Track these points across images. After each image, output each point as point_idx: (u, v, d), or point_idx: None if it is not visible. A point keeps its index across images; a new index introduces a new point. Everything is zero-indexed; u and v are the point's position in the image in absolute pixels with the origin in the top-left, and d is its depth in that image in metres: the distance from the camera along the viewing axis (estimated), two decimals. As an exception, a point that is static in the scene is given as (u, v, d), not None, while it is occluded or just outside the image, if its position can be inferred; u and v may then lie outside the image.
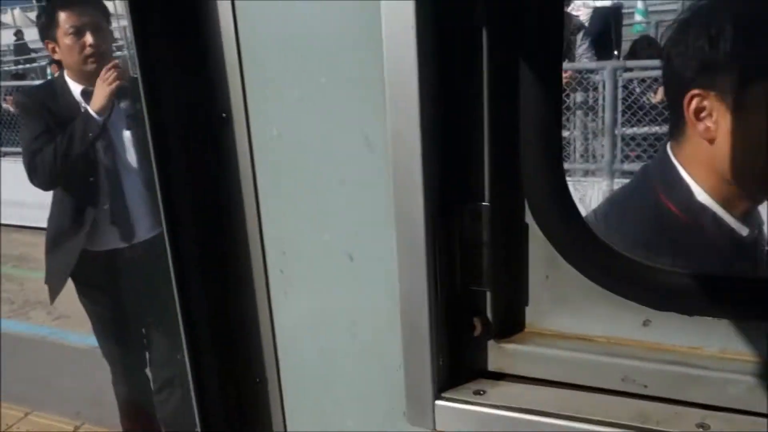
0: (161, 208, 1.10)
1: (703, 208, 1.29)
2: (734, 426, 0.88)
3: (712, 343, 0.94)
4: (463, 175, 0.98)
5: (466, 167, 0.97)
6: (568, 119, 6.34)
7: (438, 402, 1.00)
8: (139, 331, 3.51)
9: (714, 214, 1.29)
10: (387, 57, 0.90)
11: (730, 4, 1.30)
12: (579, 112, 6.23)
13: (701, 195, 1.29)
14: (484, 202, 0.98)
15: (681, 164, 1.31)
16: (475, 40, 0.92)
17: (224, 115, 1.07)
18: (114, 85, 3.15)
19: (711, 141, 1.26)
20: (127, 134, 3.32)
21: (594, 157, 6.36)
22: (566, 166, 6.46)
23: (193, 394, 1.17)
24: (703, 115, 1.25)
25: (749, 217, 1.33)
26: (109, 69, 3.17)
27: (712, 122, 1.25)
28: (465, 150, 0.96)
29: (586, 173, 6.39)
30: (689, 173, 1.30)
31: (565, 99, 6.16)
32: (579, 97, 6.12)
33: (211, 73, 1.06)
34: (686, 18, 1.33)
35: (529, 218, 1.00)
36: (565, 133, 6.38)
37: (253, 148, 1.06)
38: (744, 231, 1.31)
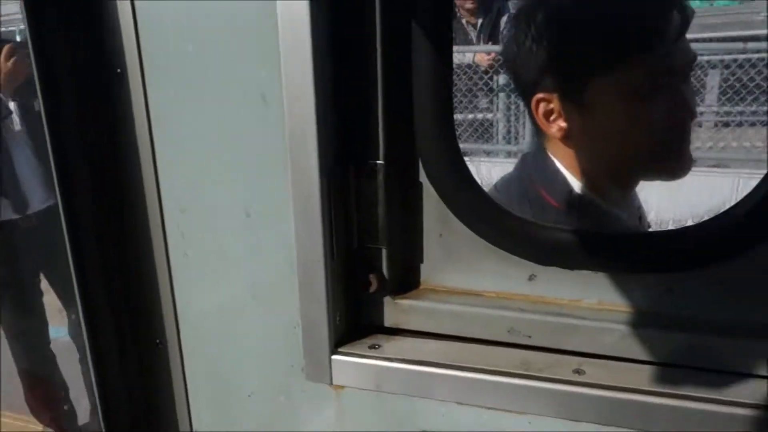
0: (53, 168, 1.07)
1: (579, 199, 1.24)
2: (608, 371, 0.94)
3: (591, 296, 1.00)
4: (358, 133, 0.99)
5: (360, 126, 0.99)
6: (491, 101, 6.47)
7: (334, 357, 1.03)
8: (38, 303, 3.45)
9: (591, 204, 1.25)
10: (281, 14, 0.91)
11: (547, 3, 1.20)
12: (502, 95, 6.37)
13: (576, 186, 1.24)
14: (378, 161, 1.00)
15: (554, 156, 1.26)
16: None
17: (119, 71, 1.05)
18: (23, 77, 3.04)
19: (567, 139, 1.21)
20: (12, 104, 3.20)
21: (516, 138, 6.53)
22: (489, 147, 6.60)
23: (90, 359, 1.15)
24: (552, 117, 1.21)
25: (626, 203, 1.30)
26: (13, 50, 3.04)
27: (563, 121, 1.20)
28: (359, 109, 0.98)
29: (509, 154, 6.55)
30: (564, 165, 1.25)
31: (489, 81, 6.28)
32: (502, 79, 6.25)
33: (104, 27, 1.03)
34: (513, 19, 1.24)
35: (423, 178, 1.03)
36: (489, 115, 6.52)
37: (149, 104, 1.04)
38: (623, 217, 1.27)
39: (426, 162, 1.02)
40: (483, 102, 6.63)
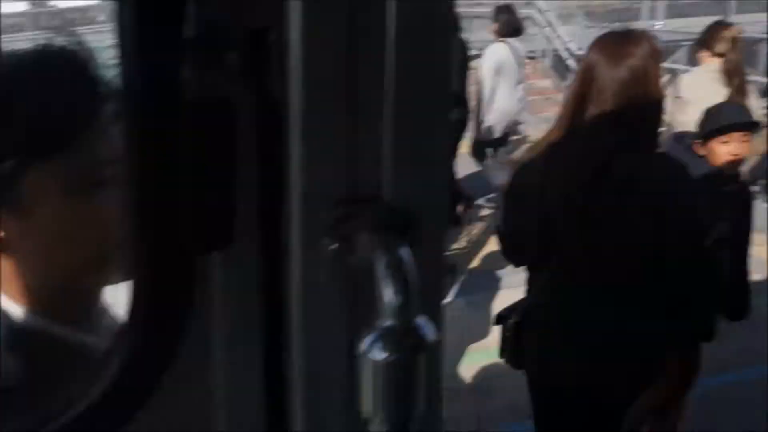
0: None
1: (24, 328, 0.99)
2: None
3: None
4: None
5: None
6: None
7: None
8: None
9: (40, 333, 0.99)
10: None
11: None
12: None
13: (20, 312, 0.98)
14: None
15: None
16: None
17: None
18: None
19: (4, 252, 0.94)
20: None
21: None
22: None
23: None
24: None
25: (91, 319, 1.04)
26: None
27: None
28: None
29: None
30: (3, 290, 0.98)
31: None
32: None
33: None
34: None
35: None
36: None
37: None
38: (85, 340, 1.00)
39: None
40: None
